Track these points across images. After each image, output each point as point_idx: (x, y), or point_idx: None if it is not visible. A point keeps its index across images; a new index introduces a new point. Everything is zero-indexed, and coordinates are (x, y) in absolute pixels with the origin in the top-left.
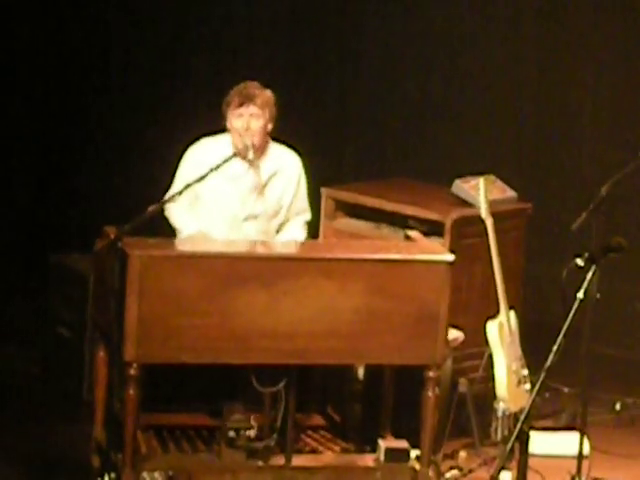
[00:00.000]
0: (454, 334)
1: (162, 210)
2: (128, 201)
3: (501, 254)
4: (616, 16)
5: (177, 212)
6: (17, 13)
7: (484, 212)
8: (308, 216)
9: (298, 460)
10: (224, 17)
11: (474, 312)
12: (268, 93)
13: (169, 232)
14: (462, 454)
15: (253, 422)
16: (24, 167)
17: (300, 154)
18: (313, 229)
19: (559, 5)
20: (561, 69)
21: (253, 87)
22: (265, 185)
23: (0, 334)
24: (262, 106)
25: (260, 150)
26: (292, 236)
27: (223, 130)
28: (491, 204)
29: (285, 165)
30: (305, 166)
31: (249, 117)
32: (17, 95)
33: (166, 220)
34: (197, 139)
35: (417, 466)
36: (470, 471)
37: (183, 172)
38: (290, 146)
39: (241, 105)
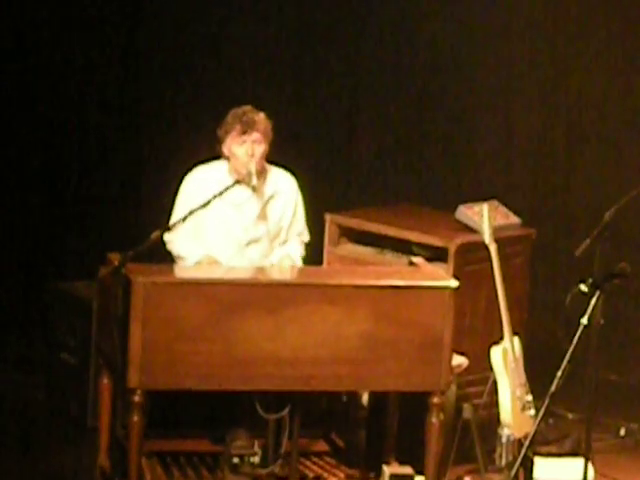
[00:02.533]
0: (458, 360)
1: (164, 243)
2: (131, 228)
3: (505, 280)
4: (624, 39)
5: (180, 241)
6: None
7: (488, 238)
8: (306, 237)
9: None
10: (226, 43)
11: (478, 338)
12: (264, 117)
13: (172, 259)
14: None
15: (257, 448)
16: (27, 194)
17: (295, 175)
18: (317, 255)
19: (567, 26)
20: (567, 94)
21: (252, 112)
22: (265, 208)
23: (5, 361)
24: (264, 132)
25: (260, 174)
26: (288, 251)
27: (218, 156)
28: (495, 230)
29: (282, 187)
30: (302, 188)
31: (252, 143)
32: (15, 122)
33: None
34: (192, 168)
35: None
36: None
37: (182, 202)
38: (285, 167)
39: (244, 133)
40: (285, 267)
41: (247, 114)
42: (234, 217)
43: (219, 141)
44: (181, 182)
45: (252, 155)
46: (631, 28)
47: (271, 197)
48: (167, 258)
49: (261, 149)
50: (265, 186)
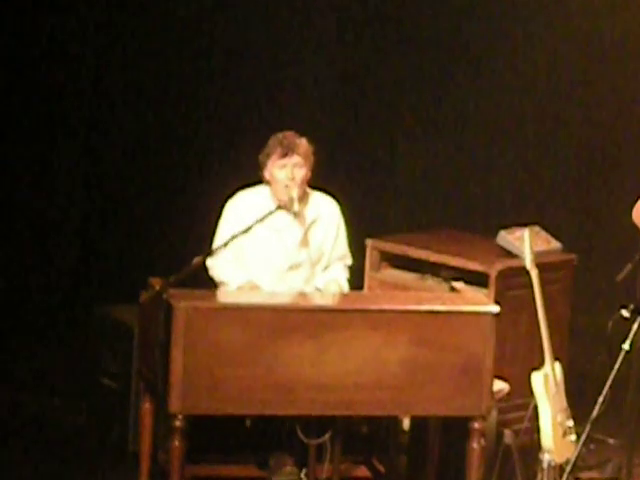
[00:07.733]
0: (499, 385)
1: (206, 268)
2: (173, 253)
3: (546, 305)
4: None
5: (222, 266)
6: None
7: (529, 263)
8: (349, 261)
9: None
10: (270, 73)
11: (519, 363)
12: (306, 142)
13: (215, 285)
14: None
15: (304, 476)
16: (70, 219)
17: (338, 200)
18: (358, 280)
19: (604, 47)
20: (608, 118)
21: (292, 137)
22: (307, 233)
23: (46, 385)
24: (304, 155)
25: (301, 199)
26: (334, 275)
27: (259, 181)
28: (536, 255)
29: (325, 212)
30: (343, 213)
31: (292, 167)
32: (60, 146)
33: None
34: (234, 193)
35: None
36: None
37: (224, 228)
38: (327, 192)
39: (284, 156)
40: (332, 292)
41: (288, 138)
42: (275, 243)
43: (261, 166)
44: (223, 207)
45: (292, 179)
46: None
47: (313, 222)
48: (209, 284)
49: (301, 173)
50: (307, 211)
